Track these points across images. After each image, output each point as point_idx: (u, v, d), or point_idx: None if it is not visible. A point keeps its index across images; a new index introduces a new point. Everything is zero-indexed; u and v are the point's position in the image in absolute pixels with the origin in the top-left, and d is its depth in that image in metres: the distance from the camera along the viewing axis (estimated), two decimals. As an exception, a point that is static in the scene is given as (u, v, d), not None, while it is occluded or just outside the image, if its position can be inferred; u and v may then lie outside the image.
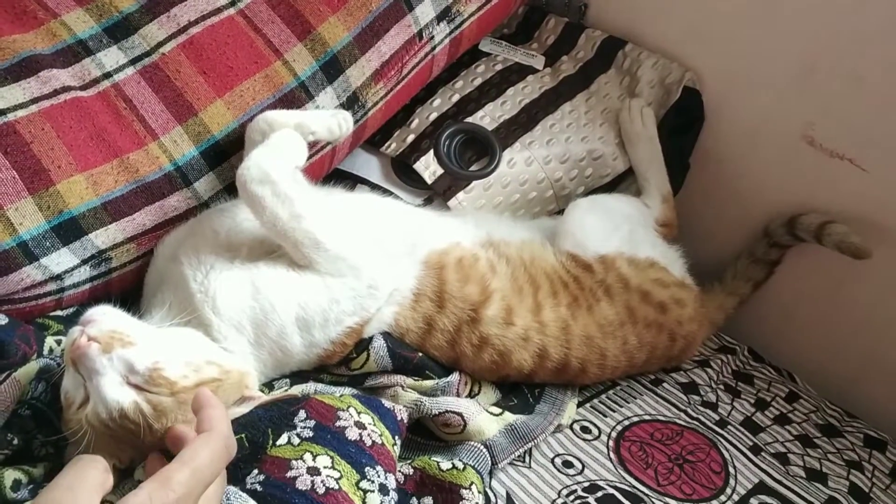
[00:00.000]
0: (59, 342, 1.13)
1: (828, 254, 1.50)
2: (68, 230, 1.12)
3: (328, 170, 1.41)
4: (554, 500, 1.17)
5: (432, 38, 1.41)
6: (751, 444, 1.33)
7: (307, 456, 1.00)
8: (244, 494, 0.96)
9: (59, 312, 1.18)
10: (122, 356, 0.99)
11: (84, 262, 1.15)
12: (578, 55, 1.67)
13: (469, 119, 1.51)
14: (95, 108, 1.17)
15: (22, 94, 1.13)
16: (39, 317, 1.16)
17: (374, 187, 1.46)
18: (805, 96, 1.48)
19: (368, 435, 1.05)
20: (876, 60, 1.38)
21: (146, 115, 1.20)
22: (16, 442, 1.01)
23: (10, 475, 0.99)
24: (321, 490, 0.97)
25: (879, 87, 1.39)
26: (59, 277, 1.13)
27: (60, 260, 1.12)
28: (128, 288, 1.23)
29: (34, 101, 1.13)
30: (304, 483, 0.97)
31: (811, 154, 1.50)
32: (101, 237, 1.15)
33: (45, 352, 1.10)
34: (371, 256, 1.19)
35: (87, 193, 1.13)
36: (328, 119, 1.27)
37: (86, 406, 0.99)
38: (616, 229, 1.40)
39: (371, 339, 1.21)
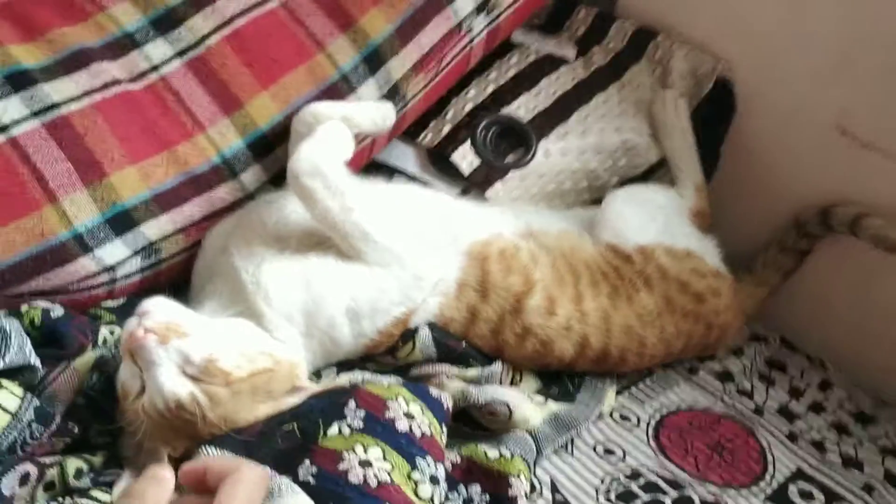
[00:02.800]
0: (112, 332, 1.14)
1: (859, 244, 1.50)
2: (121, 222, 1.14)
3: (367, 160, 1.42)
4: (597, 488, 1.19)
5: (471, 30, 1.42)
6: (787, 431, 1.35)
7: (358, 448, 1.01)
8: (296, 486, 0.97)
9: (110, 303, 1.19)
10: (178, 347, 1.01)
11: (136, 253, 1.16)
12: (609, 46, 1.67)
13: (504, 110, 1.52)
14: (145, 101, 1.19)
15: (74, 87, 1.14)
16: (92, 307, 1.18)
17: (411, 178, 1.47)
18: (839, 86, 1.49)
19: (418, 426, 1.07)
20: (911, 51, 1.39)
21: (193, 108, 1.21)
22: (76, 430, 1.03)
23: (73, 463, 1.01)
24: (374, 483, 0.98)
25: (914, 78, 1.40)
26: (111, 268, 1.15)
27: (114, 251, 1.14)
28: (176, 278, 1.24)
29: (86, 94, 1.14)
30: (356, 476, 0.98)
31: (844, 144, 1.50)
32: (153, 228, 1.17)
33: (100, 342, 1.12)
34: (417, 248, 1.20)
35: (139, 185, 1.15)
36: (372, 111, 1.28)
37: (142, 396, 1.01)
38: (653, 220, 1.41)
39: (417, 328, 1.22)
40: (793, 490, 1.25)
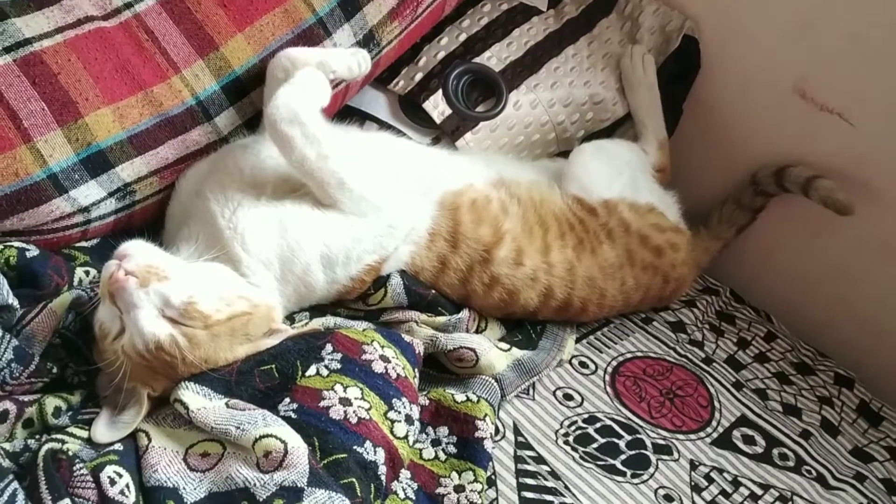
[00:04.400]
0: (87, 273, 1.15)
1: (808, 203, 1.57)
2: (96, 163, 1.13)
3: (340, 106, 1.42)
4: (556, 430, 1.25)
5: (448, -23, 1.42)
6: (734, 380, 1.43)
7: (338, 387, 1.05)
8: (278, 418, 1.01)
9: (83, 243, 1.19)
10: (158, 290, 1.02)
11: (110, 194, 1.16)
12: (581, -3, 1.69)
13: (476, 59, 1.53)
14: (119, 40, 1.16)
15: (46, 22, 1.12)
16: (65, 247, 1.17)
17: (382, 125, 1.48)
18: (800, 50, 1.53)
19: (393, 368, 1.11)
20: (872, 19, 1.43)
21: (168, 48, 1.20)
22: (55, 370, 1.04)
23: (52, 402, 1.02)
24: (354, 420, 1.03)
25: (873, 45, 1.45)
26: (86, 209, 1.14)
27: (88, 192, 1.13)
28: (149, 220, 1.24)
29: (59, 30, 1.12)
30: (337, 413, 1.03)
31: (802, 106, 1.56)
32: (127, 170, 1.16)
33: (75, 283, 1.13)
34: (391, 197, 1.22)
35: (114, 127, 1.14)
36: (348, 58, 1.28)
37: (121, 337, 1.03)
38: (619, 175, 1.45)
39: (388, 276, 1.25)
40: (736, 435, 1.33)
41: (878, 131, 1.49)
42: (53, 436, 0.99)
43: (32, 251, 1.09)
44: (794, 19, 1.52)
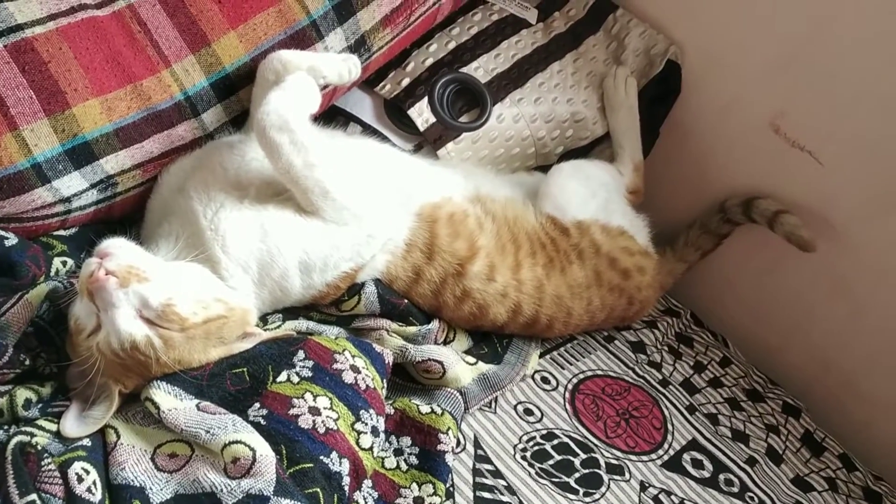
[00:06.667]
0: (64, 263, 1.15)
1: (771, 234, 1.62)
2: (81, 154, 1.12)
3: (326, 106, 1.42)
4: (515, 445, 1.29)
5: (442, -13, 1.43)
6: (687, 403, 1.48)
7: (308, 395, 1.08)
8: (248, 424, 1.03)
9: (61, 232, 1.19)
10: (137, 291, 1.03)
11: (93, 186, 1.15)
12: (570, 13, 1.70)
13: (463, 69, 1.54)
14: (111, 30, 1.15)
15: (39, 9, 1.10)
16: (43, 235, 1.17)
17: (366, 127, 1.49)
18: (779, 86, 1.57)
19: (363, 379, 1.14)
20: (851, 61, 1.47)
21: (160, 41, 1.19)
22: (27, 362, 1.05)
23: (22, 394, 1.03)
24: (322, 430, 1.05)
25: (850, 88, 1.49)
26: (67, 200, 1.14)
27: (71, 183, 1.13)
28: (129, 211, 1.24)
29: (51, 17, 1.10)
30: (306, 422, 1.05)
31: (774, 141, 1.60)
32: (111, 163, 1.16)
33: (52, 273, 1.12)
34: (372, 207, 1.24)
35: (101, 119, 1.13)
36: (339, 64, 1.28)
37: (96, 334, 1.04)
38: (594, 196, 1.48)
39: (363, 284, 1.27)
40: (686, 459, 1.39)
41: (845, 173, 1.54)
42: (23, 428, 0.99)
43: (11, 240, 1.09)
44: (775, 55, 1.56)
